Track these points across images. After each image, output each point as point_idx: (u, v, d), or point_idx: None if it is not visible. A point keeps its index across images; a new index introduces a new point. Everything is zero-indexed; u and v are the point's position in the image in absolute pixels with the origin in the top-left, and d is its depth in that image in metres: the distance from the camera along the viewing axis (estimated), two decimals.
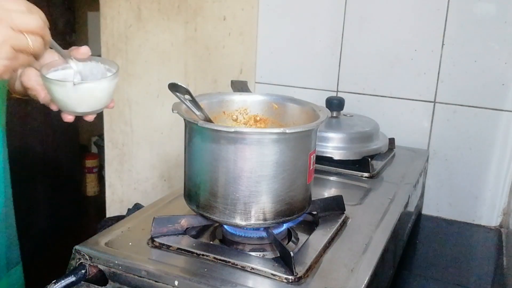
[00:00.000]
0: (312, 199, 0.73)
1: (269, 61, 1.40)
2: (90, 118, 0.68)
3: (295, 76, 1.37)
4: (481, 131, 1.18)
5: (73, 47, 0.70)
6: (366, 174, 1.01)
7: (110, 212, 1.71)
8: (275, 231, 0.70)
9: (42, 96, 0.68)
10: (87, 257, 0.65)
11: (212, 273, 0.61)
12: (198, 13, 1.43)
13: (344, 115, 1.15)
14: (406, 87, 1.25)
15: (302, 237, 0.73)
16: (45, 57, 0.64)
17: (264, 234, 0.69)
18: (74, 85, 0.62)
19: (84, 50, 0.69)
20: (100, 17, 1.60)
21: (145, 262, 0.63)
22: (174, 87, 0.64)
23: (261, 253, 0.68)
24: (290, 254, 0.61)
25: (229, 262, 0.63)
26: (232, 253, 0.66)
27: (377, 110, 1.27)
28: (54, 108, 0.68)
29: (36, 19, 0.55)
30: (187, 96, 0.65)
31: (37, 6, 0.70)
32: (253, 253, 0.67)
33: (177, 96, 0.66)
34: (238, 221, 0.66)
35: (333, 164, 1.03)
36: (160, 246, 0.67)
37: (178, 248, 0.67)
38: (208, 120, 0.69)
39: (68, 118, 0.66)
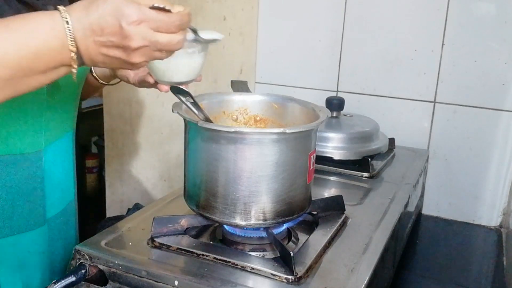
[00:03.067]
0: (312, 199, 0.73)
1: (269, 61, 1.40)
2: (185, 86, 0.70)
3: (295, 76, 1.37)
4: (481, 131, 1.18)
5: None
6: (366, 174, 1.01)
7: (110, 212, 1.71)
8: (275, 231, 0.70)
9: (131, 76, 0.79)
10: (87, 257, 0.65)
11: (212, 273, 0.61)
12: (198, 13, 1.43)
13: (344, 115, 1.15)
14: (406, 87, 1.25)
15: (302, 237, 0.73)
16: None
17: (264, 234, 0.69)
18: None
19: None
20: None
21: (145, 262, 0.63)
22: (176, 90, 0.65)
23: (261, 253, 0.68)
24: (290, 254, 0.61)
25: (229, 262, 0.63)
26: (232, 253, 0.66)
27: (377, 110, 1.27)
28: (150, 80, 0.76)
29: (179, 42, 0.57)
30: (188, 98, 0.66)
31: None
32: (253, 253, 0.67)
33: (179, 98, 0.66)
34: (238, 221, 0.66)
35: (333, 164, 1.03)
36: (160, 246, 0.67)
37: (178, 248, 0.67)
38: (209, 121, 0.69)
39: (165, 89, 0.70)
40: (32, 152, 0.72)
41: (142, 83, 0.80)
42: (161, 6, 0.54)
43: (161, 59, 0.58)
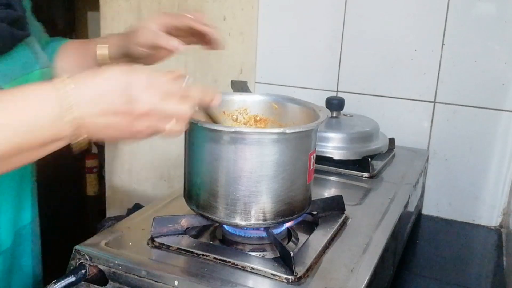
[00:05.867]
0: (312, 199, 0.73)
1: (269, 61, 1.40)
2: None
3: (295, 76, 1.37)
4: (481, 131, 1.18)
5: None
6: (366, 174, 1.01)
7: (110, 212, 1.71)
8: (275, 231, 0.70)
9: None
10: (87, 257, 0.65)
11: (212, 273, 0.61)
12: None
13: (344, 115, 1.15)
14: (406, 87, 1.25)
15: (302, 237, 0.73)
16: None
17: (264, 234, 0.69)
18: None
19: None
20: (100, 17, 1.60)
21: (145, 262, 0.63)
22: None
23: (261, 253, 0.68)
24: (290, 254, 0.61)
25: (229, 262, 0.63)
26: (232, 253, 0.66)
27: (377, 110, 1.27)
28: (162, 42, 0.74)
29: (188, 109, 0.55)
30: None
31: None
32: (253, 253, 0.67)
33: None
34: (238, 221, 0.65)
35: (333, 164, 1.03)
36: (160, 246, 0.67)
37: (178, 248, 0.67)
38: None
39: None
40: None
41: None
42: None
43: (164, 132, 0.54)
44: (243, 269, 0.62)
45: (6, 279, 0.73)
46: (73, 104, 0.49)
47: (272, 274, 0.61)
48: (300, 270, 0.61)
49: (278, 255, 0.65)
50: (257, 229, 0.69)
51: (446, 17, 1.17)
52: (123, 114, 0.51)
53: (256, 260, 0.64)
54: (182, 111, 0.54)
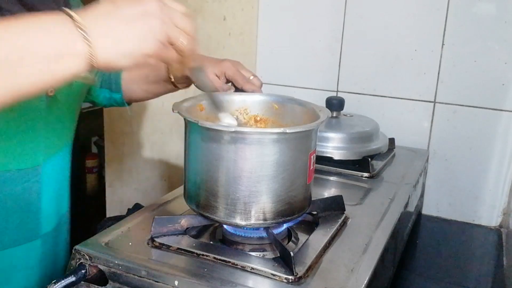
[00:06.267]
0: (312, 199, 0.73)
1: (269, 61, 1.40)
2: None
3: (295, 76, 1.37)
4: (481, 131, 1.18)
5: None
6: (366, 174, 1.01)
7: (110, 212, 1.71)
8: (275, 231, 0.70)
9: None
10: (87, 257, 0.65)
11: (212, 273, 0.61)
12: (198, 13, 1.43)
13: (344, 115, 1.15)
14: (406, 87, 1.25)
15: (302, 237, 0.73)
16: None
17: (264, 234, 0.69)
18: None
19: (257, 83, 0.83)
20: None
21: (145, 262, 0.63)
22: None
23: (261, 253, 0.68)
24: (290, 254, 0.61)
25: (229, 262, 0.63)
26: (232, 253, 0.66)
27: (377, 110, 1.27)
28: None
29: (192, 24, 0.56)
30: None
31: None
32: (253, 253, 0.67)
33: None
34: (238, 221, 0.65)
35: (333, 164, 1.03)
36: (160, 246, 0.67)
37: (178, 248, 0.67)
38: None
39: None
40: (29, 168, 0.71)
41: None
42: None
43: (177, 41, 0.54)
44: (243, 269, 0.62)
45: (44, 265, 0.76)
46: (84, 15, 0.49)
47: (272, 274, 0.61)
48: (300, 270, 0.61)
49: (278, 255, 0.65)
50: (257, 229, 0.69)
51: (446, 17, 1.17)
52: (133, 7, 0.51)
53: (256, 260, 0.64)
54: (189, 25, 0.55)
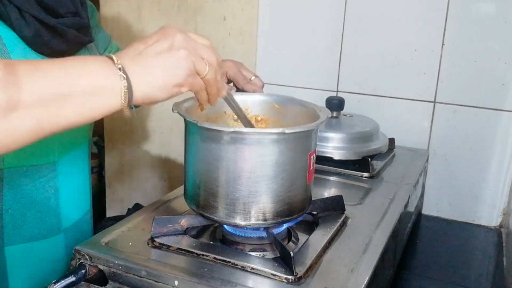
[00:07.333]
0: (312, 199, 0.73)
1: (269, 61, 1.40)
2: None
3: (295, 76, 1.37)
4: (481, 131, 1.18)
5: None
6: (366, 174, 1.01)
7: (110, 212, 1.71)
8: (275, 231, 0.70)
9: None
10: (87, 257, 0.65)
11: (212, 273, 0.61)
12: (198, 13, 1.43)
13: (344, 115, 1.15)
14: (406, 87, 1.25)
15: (302, 237, 0.73)
16: None
17: (264, 234, 0.69)
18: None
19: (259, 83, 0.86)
20: (100, 17, 1.60)
21: (145, 262, 0.63)
22: None
23: (261, 253, 0.68)
24: (290, 254, 0.61)
25: (229, 262, 0.63)
26: (232, 253, 0.66)
27: (377, 110, 1.27)
28: None
29: (217, 57, 0.59)
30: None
31: None
32: (253, 253, 0.67)
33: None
34: (238, 221, 0.66)
35: (333, 164, 1.03)
36: (160, 246, 0.67)
37: (178, 248, 0.67)
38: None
39: None
40: (45, 163, 0.73)
41: None
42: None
43: (203, 73, 0.57)
44: (243, 269, 0.62)
45: (66, 261, 0.79)
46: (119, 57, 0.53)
47: (272, 274, 0.61)
48: (300, 270, 0.61)
49: (278, 255, 0.65)
50: (257, 229, 0.69)
51: (446, 17, 1.17)
52: (162, 43, 0.55)
53: (256, 260, 0.64)
54: (213, 57, 0.58)
